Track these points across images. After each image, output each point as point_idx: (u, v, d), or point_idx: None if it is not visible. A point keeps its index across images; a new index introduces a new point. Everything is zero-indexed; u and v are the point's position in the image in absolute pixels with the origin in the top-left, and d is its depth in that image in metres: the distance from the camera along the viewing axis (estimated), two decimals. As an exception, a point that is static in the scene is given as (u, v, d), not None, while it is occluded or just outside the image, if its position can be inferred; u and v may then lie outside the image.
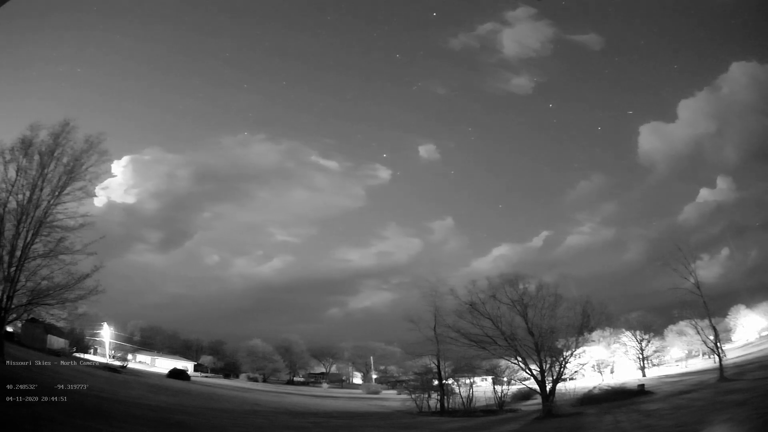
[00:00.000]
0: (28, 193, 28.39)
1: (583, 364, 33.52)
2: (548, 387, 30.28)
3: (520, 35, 70.17)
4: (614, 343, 45.76)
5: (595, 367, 42.46)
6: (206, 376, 55.59)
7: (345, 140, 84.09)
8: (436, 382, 35.99)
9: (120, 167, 75.13)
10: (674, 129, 66.32)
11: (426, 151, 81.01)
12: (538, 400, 31.21)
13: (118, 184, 74.88)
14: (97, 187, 70.33)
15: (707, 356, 43.12)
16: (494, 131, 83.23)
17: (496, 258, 68.44)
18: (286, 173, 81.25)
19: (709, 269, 53.09)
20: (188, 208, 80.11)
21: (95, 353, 50.08)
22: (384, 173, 78.75)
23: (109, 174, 71.74)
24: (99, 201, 71.74)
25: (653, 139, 67.01)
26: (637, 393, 31.73)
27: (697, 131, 63.50)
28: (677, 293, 36.82)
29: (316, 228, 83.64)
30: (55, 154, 29.63)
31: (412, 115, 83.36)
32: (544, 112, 76.92)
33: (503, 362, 34.02)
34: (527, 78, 72.96)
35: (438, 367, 36.12)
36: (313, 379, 63.17)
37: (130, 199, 76.79)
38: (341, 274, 75.89)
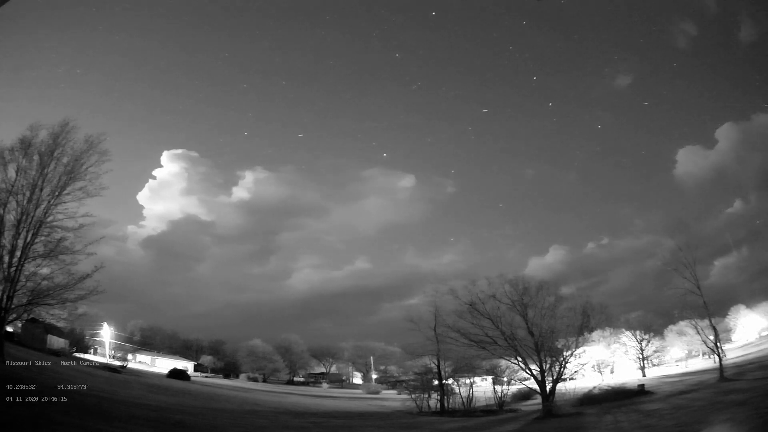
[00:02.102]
0: (28, 194, 28.33)
1: (583, 364, 33.51)
2: (548, 387, 30.29)
3: (608, 77, 78.66)
4: (614, 343, 45.73)
5: (595, 367, 42.42)
6: (206, 376, 55.55)
7: (415, 154, 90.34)
8: (436, 382, 35.99)
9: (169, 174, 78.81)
10: (714, 153, 73.47)
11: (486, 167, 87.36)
12: (538, 400, 31.21)
13: (171, 194, 78.40)
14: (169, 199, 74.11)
15: (707, 356, 43.07)
16: (563, 156, 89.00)
17: (550, 264, 73.32)
18: (360, 186, 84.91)
19: (727, 270, 56.06)
20: (264, 221, 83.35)
21: (95, 353, 50.04)
22: (451, 188, 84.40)
23: (150, 176, 76.87)
24: (172, 214, 77.23)
25: (694, 160, 75.20)
26: (637, 393, 31.73)
27: (735, 154, 70.25)
28: (678, 293, 37.00)
29: (384, 237, 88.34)
30: (55, 155, 29.60)
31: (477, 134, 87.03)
32: (611, 139, 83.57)
33: (503, 362, 34.02)
34: (605, 110, 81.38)
35: (438, 367, 36.10)
36: (313, 379, 63.10)
37: (205, 216, 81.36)
38: (402, 281, 78.47)
